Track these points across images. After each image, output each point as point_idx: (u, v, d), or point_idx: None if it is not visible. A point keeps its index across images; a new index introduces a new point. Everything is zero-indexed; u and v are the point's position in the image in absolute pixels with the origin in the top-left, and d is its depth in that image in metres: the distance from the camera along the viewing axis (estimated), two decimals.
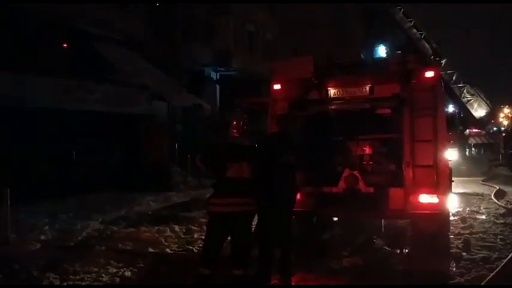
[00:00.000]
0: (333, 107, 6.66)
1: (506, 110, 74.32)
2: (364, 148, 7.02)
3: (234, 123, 4.68)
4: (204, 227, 8.02)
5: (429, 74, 6.15)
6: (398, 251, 6.42)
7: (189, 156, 14.63)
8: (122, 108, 13.57)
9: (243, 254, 4.39)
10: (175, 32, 19.19)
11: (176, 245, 7.03)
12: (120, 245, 6.97)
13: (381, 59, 6.90)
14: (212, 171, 4.57)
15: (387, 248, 6.51)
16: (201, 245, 6.82)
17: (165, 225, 8.36)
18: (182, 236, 7.65)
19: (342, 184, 6.36)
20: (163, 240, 7.26)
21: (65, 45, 13.66)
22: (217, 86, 22.68)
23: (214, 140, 15.01)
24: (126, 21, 15.60)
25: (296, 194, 5.31)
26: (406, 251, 6.47)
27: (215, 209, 4.38)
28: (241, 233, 4.38)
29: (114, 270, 5.59)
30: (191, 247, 6.83)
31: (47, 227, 8.18)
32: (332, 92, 6.67)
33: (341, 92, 6.63)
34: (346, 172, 6.38)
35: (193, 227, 8.12)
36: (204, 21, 21.26)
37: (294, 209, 5.24)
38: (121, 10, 15.64)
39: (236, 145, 4.59)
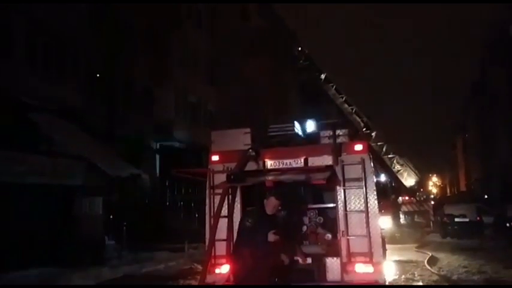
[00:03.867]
0: (270, 178, 6.81)
1: (434, 179, 79.24)
2: (302, 218, 7.15)
3: None
4: None
5: (358, 147, 6.55)
6: None
7: (124, 228, 14.07)
8: (54, 180, 12.99)
9: None
10: (116, 102, 19.14)
11: None
12: None
13: (314, 133, 7.29)
14: None
15: None
16: None
17: None
18: None
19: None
20: None
21: None
22: (158, 156, 22.48)
23: None
24: (64, 91, 15.41)
25: None
26: None
27: None
28: None
29: None
30: None
31: None
32: (269, 163, 6.85)
33: (277, 163, 6.83)
34: None
35: None
36: (146, 91, 21.47)
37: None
38: (59, 80, 15.48)
39: None
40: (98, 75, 18.13)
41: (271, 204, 5.82)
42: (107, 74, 18.37)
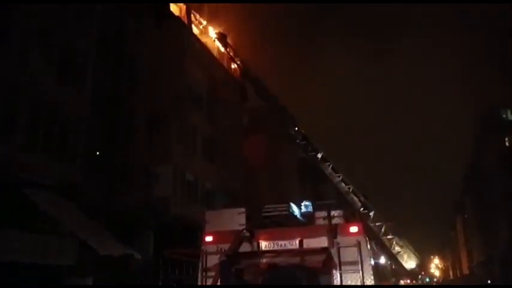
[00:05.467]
0: (264, 260, 6.70)
1: (436, 261, 77.22)
2: None
3: None
4: None
5: (353, 229, 6.53)
6: None
7: None
8: (45, 259, 12.69)
9: None
10: (113, 179, 19.21)
11: None
12: None
13: (309, 213, 7.29)
14: None
15: None
16: None
17: None
18: None
19: None
20: None
21: None
22: (153, 234, 22.08)
23: None
24: (63, 168, 15.54)
25: None
26: None
27: None
28: None
29: None
30: None
31: None
32: (263, 244, 6.78)
33: (272, 244, 6.76)
34: None
35: None
36: (144, 169, 21.61)
37: None
38: (58, 157, 15.66)
39: None
40: (97, 153, 18.37)
41: None
42: (106, 152, 18.63)
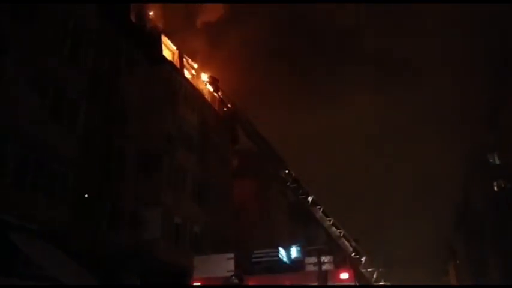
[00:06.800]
0: None
1: None
2: None
3: None
4: None
5: (344, 275, 6.42)
6: None
7: None
8: None
9: None
10: (101, 222, 18.88)
11: None
12: None
13: (299, 259, 7.19)
14: None
15: None
16: None
17: None
18: None
19: None
20: None
21: None
22: (139, 280, 21.46)
23: None
24: (49, 210, 15.25)
25: None
26: None
27: None
28: None
29: None
30: None
31: None
32: None
33: None
34: None
35: None
36: (132, 212, 21.29)
37: None
38: (45, 198, 15.41)
39: None
40: (86, 195, 18.12)
41: None
42: (94, 194, 18.39)
